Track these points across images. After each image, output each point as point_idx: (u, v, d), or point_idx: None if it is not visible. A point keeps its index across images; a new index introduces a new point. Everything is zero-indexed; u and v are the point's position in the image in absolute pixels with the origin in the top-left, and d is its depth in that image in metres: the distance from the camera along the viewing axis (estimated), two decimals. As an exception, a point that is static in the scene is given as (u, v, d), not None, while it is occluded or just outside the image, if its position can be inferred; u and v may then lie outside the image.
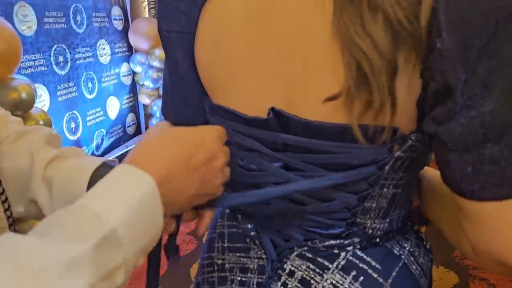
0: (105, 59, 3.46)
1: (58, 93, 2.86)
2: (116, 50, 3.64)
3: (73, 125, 3.00)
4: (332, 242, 0.50)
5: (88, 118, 3.20)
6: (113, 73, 3.61)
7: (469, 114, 0.37)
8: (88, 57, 3.20)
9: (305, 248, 0.52)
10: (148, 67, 3.78)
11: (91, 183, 0.50)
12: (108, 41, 3.50)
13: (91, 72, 3.24)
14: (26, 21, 2.54)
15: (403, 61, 0.38)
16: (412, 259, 0.53)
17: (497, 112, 0.36)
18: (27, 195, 0.52)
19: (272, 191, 0.48)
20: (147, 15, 4.12)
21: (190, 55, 0.53)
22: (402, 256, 0.52)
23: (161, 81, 3.87)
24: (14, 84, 1.85)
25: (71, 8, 2.99)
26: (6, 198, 0.47)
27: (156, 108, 3.89)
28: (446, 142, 0.39)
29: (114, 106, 3.61)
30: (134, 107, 3.98)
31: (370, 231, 0.50)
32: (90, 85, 3.23)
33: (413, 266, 0.53)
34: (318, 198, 0.49)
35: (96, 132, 3.34)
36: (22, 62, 2.47)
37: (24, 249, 0.28)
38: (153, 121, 3.97)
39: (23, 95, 1.87)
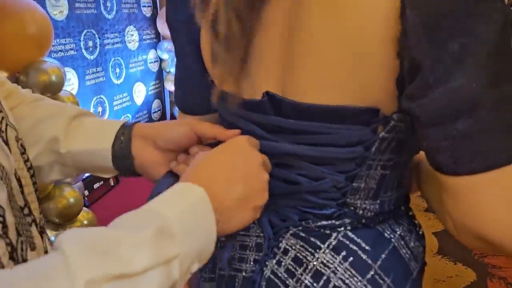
0: (133, 45, 3.52)
1: (87, 77, 2.93)
2: (144, 37, 3.70)
3: (100, 109, 3.08)
4: (324, 222, 0.52)
5: (115, 103, 3.28)
6: (141, 60, 3.67)
7: (440, 89, 0.38)
8: (117, 43, 3.27)
9: (300, 228, 0.54)
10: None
11: (117, 138, 0.55)
12: (136, 27, 3.56)
13: (119, 58, 3.31)
14: (58, 6, 2.61)
15: None
16: (402, 243, 0.54)
17: (468, 87, 0.37)
18: (46, 136, 0.55)
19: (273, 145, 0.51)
20: (175, 3, 4.15)
21: (196, 44, 0.56)
22: (392, 240, 0.53)
23: (187, 69, 3.92)
24: (44, 67, 1.92)
25: (102, -6, 3.05)
26: (31, 166, 0.50)
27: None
28: (420, 117, 0.40)
29: (140, 92, 3.68)
30: (160, 94, 4.05)
31: (361, 211, 0.52)
32: (117, 70, 3.30)
33: (403, 250, 0.54)
34: (310, 177, 0.51)
35: (122, 117, 3.41)
36: (53, 46, 2.54)
37: (99, 235, 0.34)
38: (178, 108, 4.03)
39: (53, 78, 1.93)
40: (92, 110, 2.97)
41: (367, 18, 0.41)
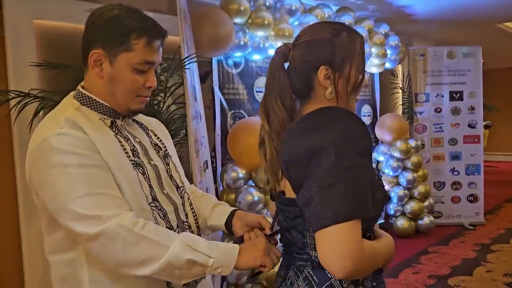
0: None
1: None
2: (362, 141, 4.23)
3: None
4: (301, 262, 0.99)
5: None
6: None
7: (301, 192, 0.83)
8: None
9: (295, 266, 0.98)
10: (389, 157, 4.24)
11: (227, 221, 1.17)
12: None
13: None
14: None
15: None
16: (338, 282, 0.92)
17: (304, 192, 0.81)
18: (203, 215, 1.23)
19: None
20: (391, 112, 4.62)
21: None
22: (332, 280, 0.92)
23: (400, 170, 4.25)
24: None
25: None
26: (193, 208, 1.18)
27: (394, 194, 4.25)
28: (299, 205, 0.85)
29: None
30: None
31: (314, 257, 0.95)
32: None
33: (337, 286, 0.91)
34: (294, 235, 0.97)
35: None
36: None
37: (195, 237, 0.98)
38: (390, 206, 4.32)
39: (273, 176, 2.65)
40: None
41: None
